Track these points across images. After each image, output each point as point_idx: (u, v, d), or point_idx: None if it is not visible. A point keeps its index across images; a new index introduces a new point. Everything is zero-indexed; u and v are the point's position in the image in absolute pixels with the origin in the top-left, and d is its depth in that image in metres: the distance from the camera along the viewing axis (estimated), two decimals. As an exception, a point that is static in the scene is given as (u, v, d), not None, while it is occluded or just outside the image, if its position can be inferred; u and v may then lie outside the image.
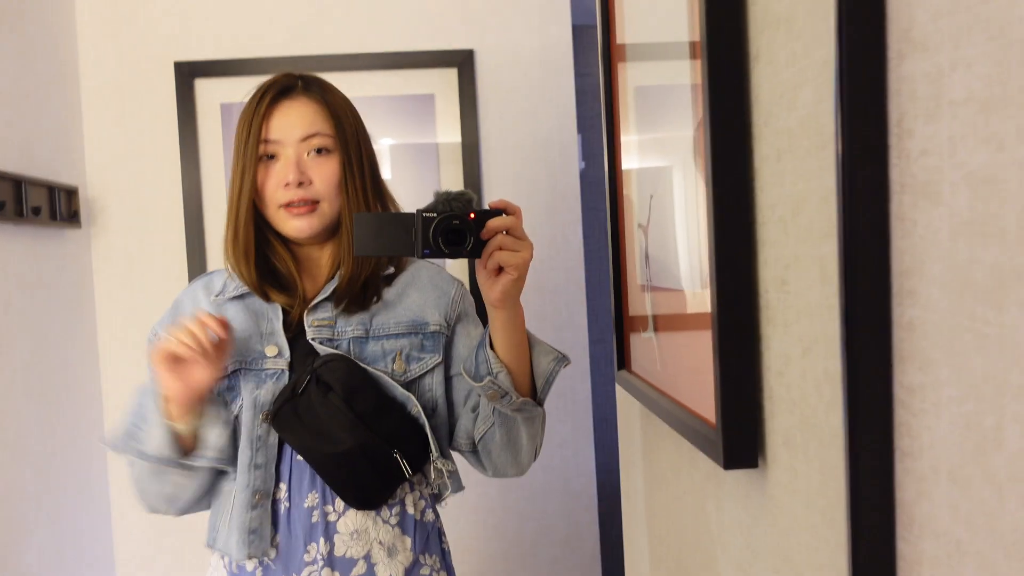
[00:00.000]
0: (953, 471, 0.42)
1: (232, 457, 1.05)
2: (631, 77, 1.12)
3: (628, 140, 1.15)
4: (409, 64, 2.15)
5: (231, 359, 1.06)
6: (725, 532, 0.84)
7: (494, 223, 0.92)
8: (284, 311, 1.09)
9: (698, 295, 0.81)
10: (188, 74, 2.13)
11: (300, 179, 1.04)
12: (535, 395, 1.05)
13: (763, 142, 0.66)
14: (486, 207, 0.95)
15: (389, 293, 1.11)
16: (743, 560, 0.78)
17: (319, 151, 1.06)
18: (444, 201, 0.93)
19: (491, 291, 0.94)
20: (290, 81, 1.08)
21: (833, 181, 0.53)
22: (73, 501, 1.98)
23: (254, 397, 1.05)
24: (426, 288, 1.12)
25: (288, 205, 1.05)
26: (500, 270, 0.94)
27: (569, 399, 2.22)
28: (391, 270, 1.13)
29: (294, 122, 1.05)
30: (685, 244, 0.86)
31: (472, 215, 0.92)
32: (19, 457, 1.76)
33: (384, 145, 2.13)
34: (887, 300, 0.47)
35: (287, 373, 1.06)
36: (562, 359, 1.05)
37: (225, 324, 0.99)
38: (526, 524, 2.22)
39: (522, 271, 0.94)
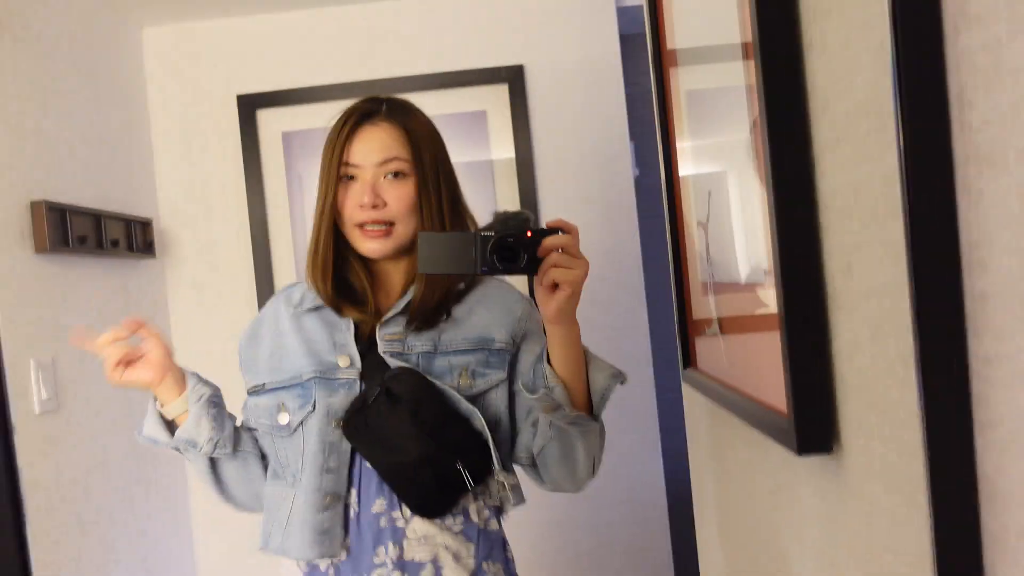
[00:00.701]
0: (1035, 438, 0.42)
1: (216, 445, 1.12)
2: (683, 81, 1.13)
3: (683, 143, 1.16)
4: (461, 82, 2.20)
5: (308, 366, 1.12)
6: (801, 523, 0.83)
7: (549, 241, 0.95)
8: (356, 324, 1.12)
9: (762, 288, 0.81)
10: (250, 106, 2.22)
11: (375, 201, 1.09)
12: (592, 410, 1.06)
13: (821, 130, 0.66)
14: (544, 226, 0.98)
15: (458, 310, 1.14)
16: (821, 550, 0.78)
17: (395, 175, 1.11)
18: (502, 221, 0.99)
19: (547, 307, 0.97)
20: (374, 106, 1.13)
21: (895, 160, 0.54)
22: (156, 515, 2.06)
23: (327, 404, 1.10)
24: (494, 306, 1.15)
25: (362, 226, 1.10)
26: (555, 287, 0.96)
27: (632, 409, 2.21)
28: (462, 286, 1.16)
29: (373, 147, 1.10)
30: (746, 238, 0.86)
31: (529, 233, 0.95)
32: (106, 474, 1.85)
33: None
34: (957, 273, 0.47)
35: (358, 383, 1.10)
36: (618, 375, 1.06)
37: (138, 322, 1.09)
38: (591, 536, 2.22)
39: (576, 288, 0.96)
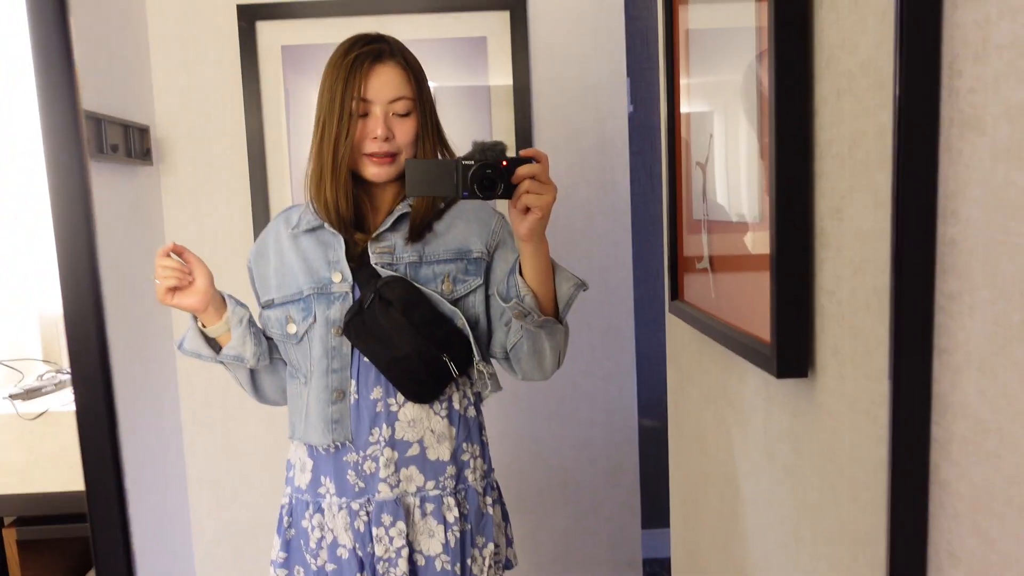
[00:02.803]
0: (983, 361, 0.51)
1: (259, 359, 1.27)
2: (692, 19, 1.18)
3: (687, 82, 1.21)
4: (462, 7, 2.20)
5: (307, 283, 1.25)
6: (773, 440, 0.93)
7: (523, 170, 1.06)
8: (346, 242, 1.25)
9: (755, 226, 0.88)
10: (250, 17, 2.21)
11: (387, 135, 1.21)
12: (558, 314, 1.20)
13: (824, 83, 0.72)
14: (518, 155, 1.10)
15: (439, 225, 1.28)
16: (791, 463, 0.88)
17: (403, 113, 1.23)
18: (480, 151, 1.09)
19: (519, 227, 1.09)
20: (383, 46, 1.23)
21: (889, 118, 0.60)
22: (146, 416, 2.15)
23: (326, 316, 1.24)
24: (471, 220, 1.30)
25: (371, 155, 1.21)
26: (528, 210, 1.07)
27: (613, 336, 2.31)
28: (442, 205, 1.31)
29: (386, 85, 1.21)
30: (744, 180, 0.93)
31: (505, 162, 1.07)
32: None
33: (432, 87, 2.20)
34: (932, 220, 0.55)
35: (351, 294, 1.24)
36: (580, 284, 1.20)
37: (178, 249, 1.24)
38: (569, 453, 2.35)
39: (545, 211, 1.08)
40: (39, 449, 1.60)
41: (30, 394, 1.71)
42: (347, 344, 1.24)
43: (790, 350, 0.78)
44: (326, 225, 1.25)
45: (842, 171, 0.70)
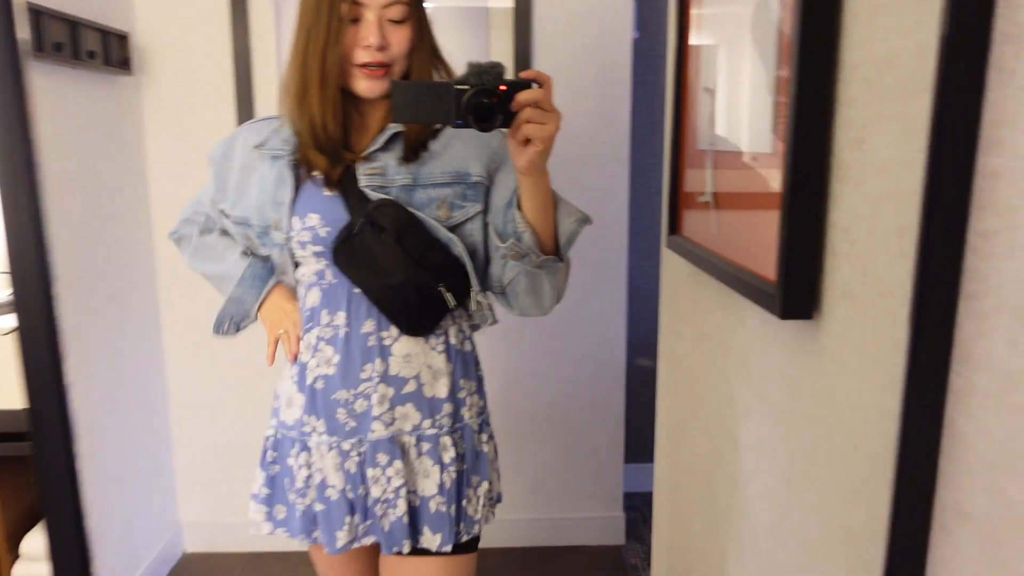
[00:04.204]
0: (1018, 308, 0.46)
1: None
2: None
3: (699, 12, 1.14)
4: (464, -82, 2.07)
5: (255, 218, 1.19)
6: (767, 381, 0.89)
7: (523, 96, 0.95)
8: (330, 162, 1.14)
9: (766, 156, 0.83)
10: (238, -81, 2.07)
11: (381, 43, 1.09)
12: (558, 250, 1.12)
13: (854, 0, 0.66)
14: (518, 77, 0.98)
15: (435, 145, 1.17)
16: (785, 405, 0.84)
17: (398, 19, 1.10)
18: (476, 74, 0.96)
19: (519, 160, 0.99)
20: None
21: (930, 35, 0.54)
22: (128, 335, 2.10)
23: (272, 255, 1.20)
24: (470, 140, 1.18)
25: (363, 65, 1.10)
26: (528, 141, 0.97)
27: (605, 273, 2.27)
28: (438, 125, 1.19)
29: None
30: (757, 106, 0.87)
31: (503, 87, 0.95)
32: (78, 292, 1.86)
33: (429, 8, 2.09)
34: (973, 151, 0.49)
35: (286, 248, 1.17)
36: (584, 219, 1.11)
37: (299, 338, 1.22)
38: (557, 387, 2.33)
39: (548, 143, 0.97)
40: (5, 365, 1.55)
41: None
42: (333, 272, 1.15)
43: (796, 290, 0.73)
44: (287, 159, 1.15)
45: (869, 96, 0.64)
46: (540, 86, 0.96)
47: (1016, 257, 0.46)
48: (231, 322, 1.27)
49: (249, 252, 1.26)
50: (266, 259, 1.24)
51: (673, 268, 1.38)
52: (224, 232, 1.30)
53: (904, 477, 0.55)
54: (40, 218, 0.56)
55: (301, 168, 1.15)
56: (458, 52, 2.14)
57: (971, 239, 0.50)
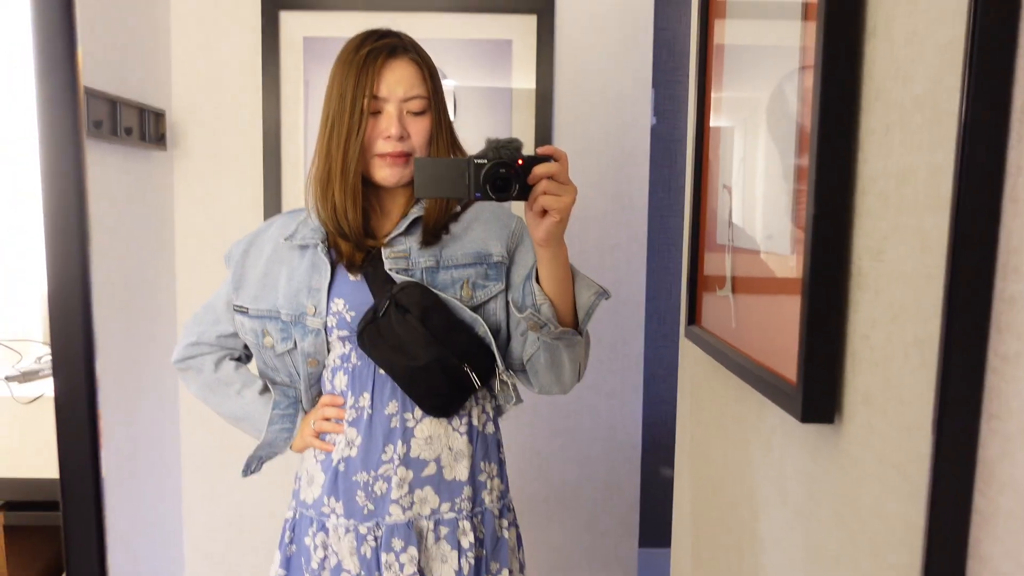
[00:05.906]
0: (1040, 433, 0.46)
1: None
2: (728, 34, 1.14)
3: (719, 98, 1.17)
4: (489, 8, 2.16)
5: (285, 307, 1.20)
6: (788, 478, 0.89)
7: (539, 169, 0.98)
8: (355, 248, 1.17)
9: (786, 259, 0.84)
10: (273, 6, 2.17)
11: (401, 134, 1.14)
12: (577, 324, 1.13)
13: (872, 116, 0.68)
14: (535, 153, 1.02)
15: (456, 227, 1.21)
16: (804, 506, 0.83)
17: (417, 111, 1.16)
18: (494, 148, 1.00)
19: (536, 231, 1.02)
20: (395, 42, 1.16)
21: (944, 157, 0.56)
22: (144, 404, 2.11)
23: (302, 347, 1.20)
24: (490, 222, 1.22)
25: (384, 155, 1.15)
26: (545, 213, 1.00)
27: (621, 352, 2.27)
28: (458, 208, 1.23)
29: (400, 82, 1.14)
30: (775, 209, 0.89)
31: (521, 161, 0.99)
32: (101, 360, 1.89)
33: (452, 86, 2.16)
34: (991, 274, 0.50)
35: (323, 332, 1.18)
36: (602, 293, 1.12)
37: (340, 403, 1.22)
38: (570, 467, 2.31)
39: (564, 214, 1.00)
40: (32, 433, 1.57)
41: (27, 376, 1.68)
42: (358, 355, 1.18)
43: (817, 393, 0.74)
44: (319, 247, 1.18)
45: (885, 209, 0.66)
46: (556, 161, 0.99)
47: (1037, 383, 0.47)
48: (259, 463, 1.30)
49: (266, 386, 1.28)
50: (287, 388, 1.27)
51: (691, 356, 1.38)
52: (237, 359, 1.32)
53: (929, 596, 0.54)
54: (88, 289, 0.59)
55: (332, 254, 1.19)
56: (481, 130, 2.21)
57: (991, 360, 0.51)
